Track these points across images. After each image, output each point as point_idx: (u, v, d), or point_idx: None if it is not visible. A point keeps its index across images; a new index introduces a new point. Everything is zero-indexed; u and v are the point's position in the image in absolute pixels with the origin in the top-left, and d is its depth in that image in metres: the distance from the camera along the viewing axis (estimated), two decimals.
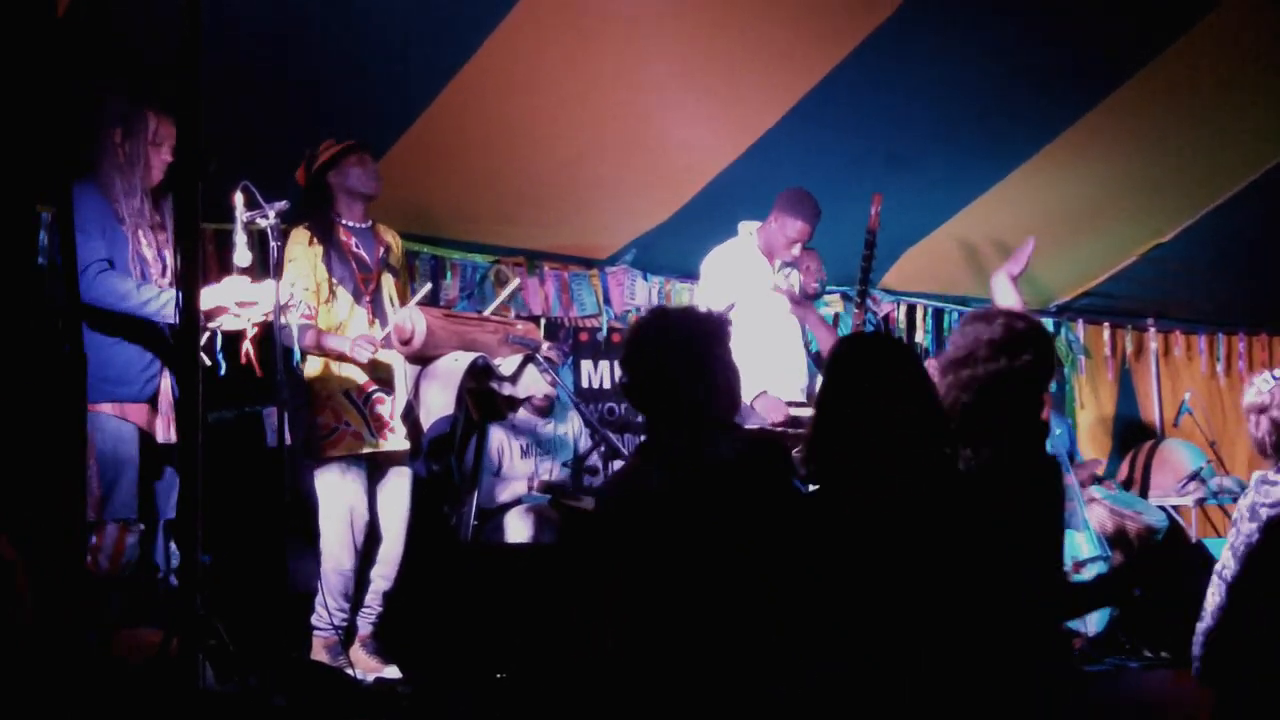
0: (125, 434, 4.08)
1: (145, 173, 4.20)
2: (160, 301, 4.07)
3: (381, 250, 4.93)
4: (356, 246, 4.85)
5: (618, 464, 5.50)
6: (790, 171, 5.75)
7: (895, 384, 2.81)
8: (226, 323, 4.17)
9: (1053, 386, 7.57)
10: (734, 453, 3.11)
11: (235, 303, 4.13)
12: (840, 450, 2.80)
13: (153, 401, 4.18)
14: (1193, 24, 5.58)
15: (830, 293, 6.80)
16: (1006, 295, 3.70)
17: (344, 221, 4.86)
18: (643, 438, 3.31)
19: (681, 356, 3.11)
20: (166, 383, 4.22)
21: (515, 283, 5.52)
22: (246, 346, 4.20)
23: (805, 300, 5.14)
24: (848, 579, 2.67)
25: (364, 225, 4.91)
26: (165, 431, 4.20)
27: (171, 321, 4.03)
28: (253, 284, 4.18)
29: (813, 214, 5.47)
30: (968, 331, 3.30)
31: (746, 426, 5.03)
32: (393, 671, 4.53)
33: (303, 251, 4.75)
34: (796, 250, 5.54)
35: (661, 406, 3.13)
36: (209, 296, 4.00)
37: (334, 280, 4.77)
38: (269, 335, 4.19)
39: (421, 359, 4.72)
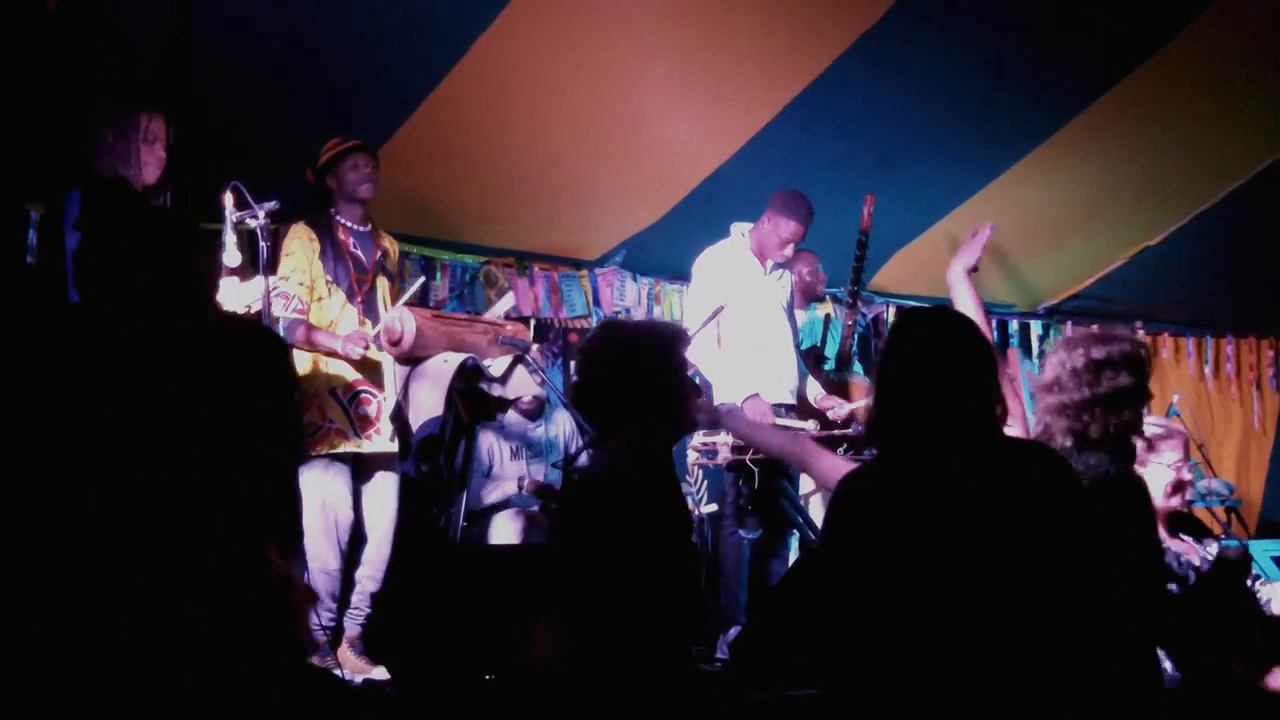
0: None
1: (138, 171, 4.19)
2: None
3: (379, 254, 4.93)
4: (354, 246, 4.84)
5: None
6: (781, 173, 5.75)
7: (950, 361, 2.74)
8: None
9: None
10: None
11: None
12: (895, 421, 2.75)
13: None
14: (1181, 29, 5.59)
15: (823, 296, 6.80)
16: (963, 295, 3.63)
17: (343, 221, 4.85)
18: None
19: (627, 374, 3.07)
20: None
21: (509, 300, 5.52)
22: None
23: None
24: (892, 548, 2.65)
25: (363, 228, 4.90)
26: None
27: None
28: (242, 284, 4.17)
29: (806, 214, 5.46)
30: (1053, 359, 3.30)
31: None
32: (381, 673, 4.52)
33: (300, 246, 4.74)
34: (789, 251, 5.53)
35: (605, 419, 3.11)
36: None
37: (328, 277, 4.77)
38: None
39: (411, 359, 4.71)
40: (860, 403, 5.66)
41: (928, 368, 2.74)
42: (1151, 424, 3.99)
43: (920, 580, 2.60)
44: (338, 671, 4.43)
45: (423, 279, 5.20)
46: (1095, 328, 3.38)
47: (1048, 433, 3.26)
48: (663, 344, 3.15)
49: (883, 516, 2.66)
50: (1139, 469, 3.78)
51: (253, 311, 4.18)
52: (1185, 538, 4.10)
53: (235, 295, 4.15)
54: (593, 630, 2.87)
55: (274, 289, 4.39)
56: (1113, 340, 3.27)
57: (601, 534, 2.93)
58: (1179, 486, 3.99)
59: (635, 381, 3.07)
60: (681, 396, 3.16)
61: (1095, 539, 2.70)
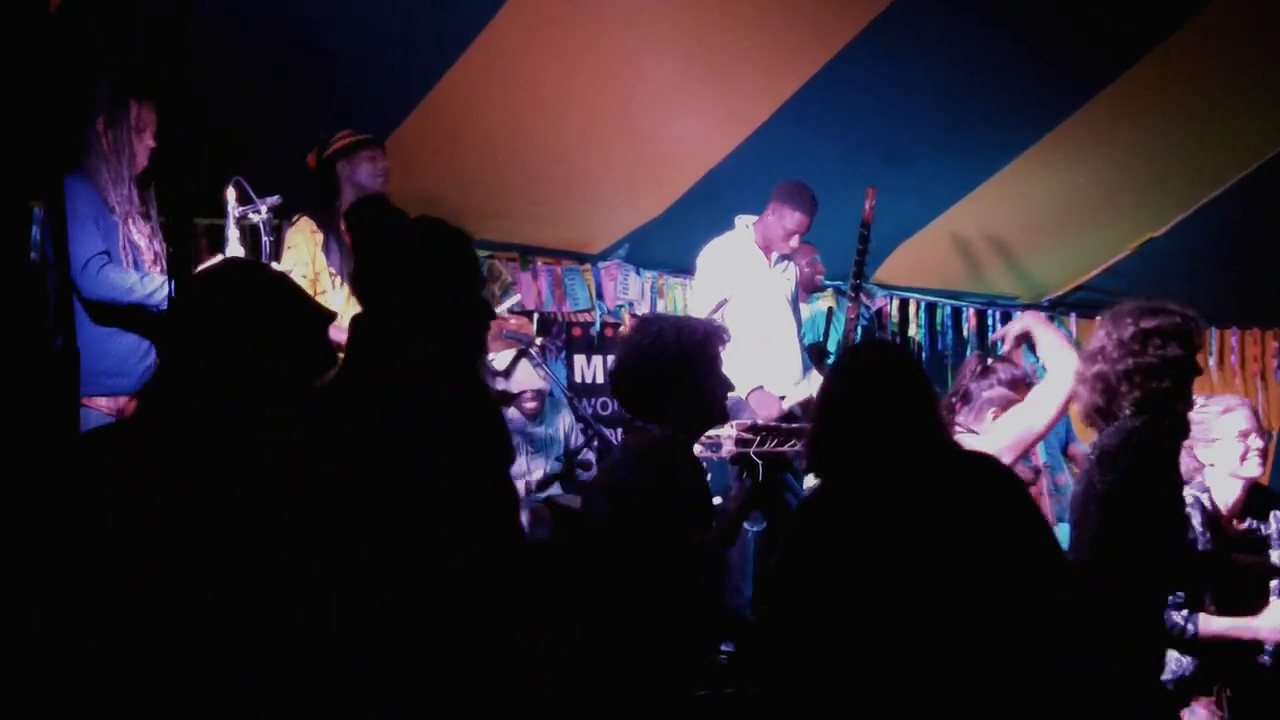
0: None
1: (130, 160, 4.18)
2: (165, 292, 4.05)
3: None
4: None
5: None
6: (784, 166, 5.75)
7: (893, 394, 2.80)
8: None
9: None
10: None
11: None
12: (839, 447, 2.81)
13: None
14: (1186, 20, 5.58)
15: (823, 287, 6.80)
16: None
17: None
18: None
19: (660, 367, 3.22)
20: None
21: (515, 298, 5.53)
22: None
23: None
24: (845, 570, 2.67)
25: None
26: None
27: None
28: None
29: (810, 206, 5.47)
30: (1100, 330, 3.29)
31: (740, 421, 5.03)
32: None
33: (303, 239, 4.75)
34: (795, 242, 5.55)
35: (639, 409, 3.25)
36: None
37: (332, 270, 4.77)
38: None
39: None
40: None
41: (855, 400, 2.79)
42: (1214, 402, 4.03)
43: (885, 596, 2.61)
44: None
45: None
46: (1143, 301, 3.34)
47: (1080, 402, 3.26)
48: (696, 339, 3.28)
49: (841, 540, 2.68)
50: (1207, 445, 3.83)
51: None
52: (1253, 521, 4.11)
53: None
54: (609, 627, 2.89)
55: None
56: (1163, 312, 3.26)
57: (627, 534, 2.97)
58: (1246, 455, 3.99)
59: (668, 375, 3.21)
60: (711, 390, 3.30)
61: (1044, 539, 2.75)
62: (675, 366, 3.23)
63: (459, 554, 2.44)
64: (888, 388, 2.78)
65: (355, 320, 2.72)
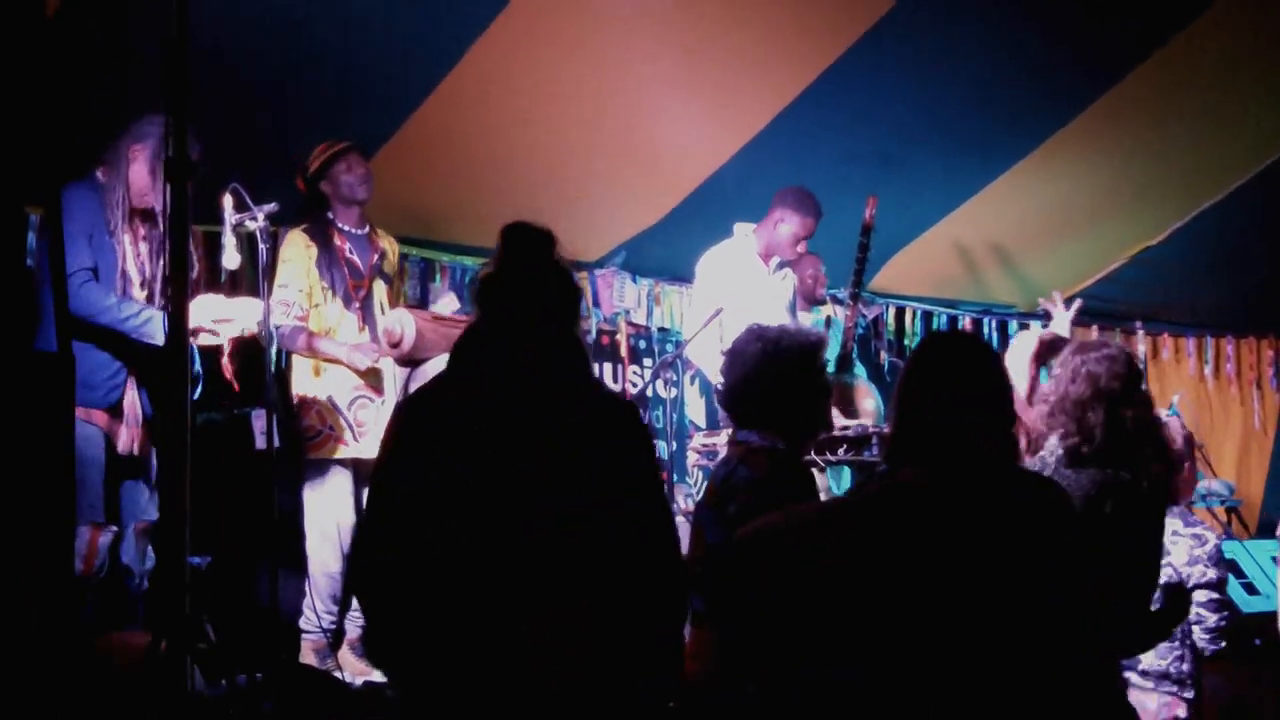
0: (89, 434, 3.97)
1: (152, 190, 4.17)
2: (141, 319, 4.02)
3: (376, 257, 4.93)
4: (350, 252, 4.85)
5: None
6: (782, 173, 5.75)
7: (969, 386, 2.83)
8: (202, 339, 4.14)
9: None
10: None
11: (211, 320, 4.10)
12: (914, 441, 2.83)
13: (115, 409, 4.12)
14: (1182, 27, 5.59)
15: (824, 300, 6.78)
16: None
17: (341, 226, 4.85)
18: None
19: (772, 376, 3.33)
20: (132, 395, 4.15)
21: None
22: (225, 362, 4.18)
23: None
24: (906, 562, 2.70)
25: (360, 231, 4.91)
26: (128, 443, 4.14)
27: (151, 340, 4.01)
28: (228, 300, 4.18)
29: (817, 212, 5.50)
30: (1069, 365, 3.39)
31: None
32: (381, 675, 4.51)
33: (297, 253, 4.75)
34: (802, 248, 5.56)
35: (749, 418, 3.36)
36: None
37: (324, 284, 4.78)
38: (255, 341, 4.19)
39: (411, 362, 4.71)
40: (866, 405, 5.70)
41: (953, 391, 2.81)
42: None
43: (932, 594, 2.64)
44: (338, 674, 4.43)
45: (452, 294, 5.17)
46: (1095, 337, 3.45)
47: (1052, 432, 3.32)
48: (809, 346, 3.40)
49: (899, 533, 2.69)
50: None
51: (242, 332, 4.18)
52: None
53: (221, 312, 4.13)
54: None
55: (272, 297, 4.40)
56: (1121, 350, 3.40)
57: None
58: None
59: (784, 384, 3.32)
60: (820, 400, 3.42)
61: (1081, 567, 2.78)
62: (792, 375, 3.34)
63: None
64: (969, 381, 2.82)
65: (471, 330, 2.88)
